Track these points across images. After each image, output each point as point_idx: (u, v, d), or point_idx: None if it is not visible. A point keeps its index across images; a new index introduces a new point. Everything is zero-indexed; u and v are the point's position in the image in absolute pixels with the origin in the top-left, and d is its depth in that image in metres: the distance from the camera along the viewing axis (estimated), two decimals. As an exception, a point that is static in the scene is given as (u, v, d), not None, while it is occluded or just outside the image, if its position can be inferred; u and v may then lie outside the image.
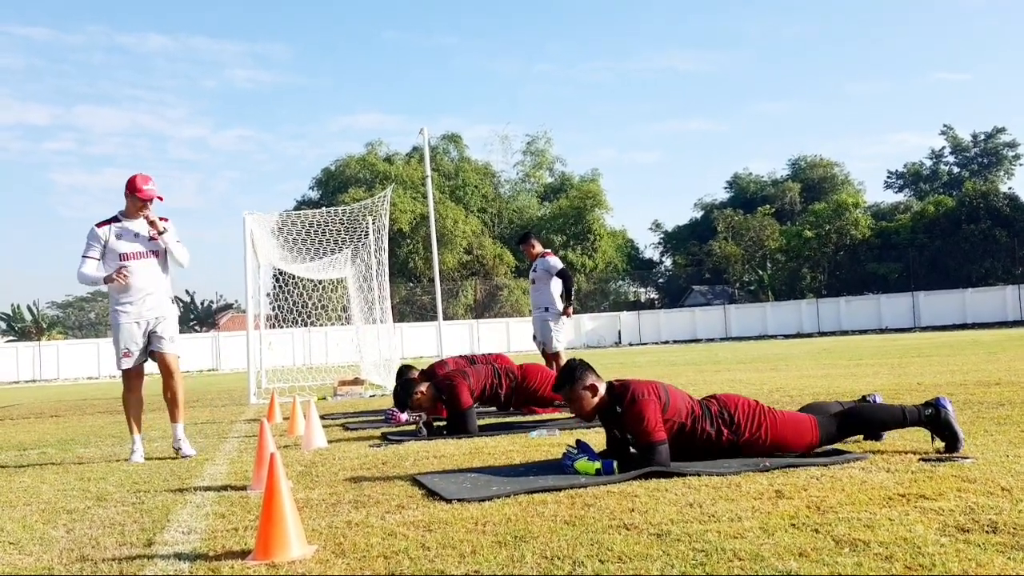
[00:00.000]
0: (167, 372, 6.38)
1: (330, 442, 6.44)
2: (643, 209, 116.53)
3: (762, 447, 4.33)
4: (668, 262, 67.72)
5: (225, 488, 4.58)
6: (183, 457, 6.17)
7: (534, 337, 9.30)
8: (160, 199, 6.28)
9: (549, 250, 9.55)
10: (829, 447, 4.53)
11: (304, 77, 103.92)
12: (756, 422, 4.32)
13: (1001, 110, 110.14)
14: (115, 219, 6.26)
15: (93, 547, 3.30)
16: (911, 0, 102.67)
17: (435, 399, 6.82)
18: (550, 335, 9.01)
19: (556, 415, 7.36)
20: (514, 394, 7.23)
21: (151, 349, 6.31)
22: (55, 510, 4.16)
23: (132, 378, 6.33)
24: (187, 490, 4.58)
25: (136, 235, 6.22)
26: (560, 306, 9.05)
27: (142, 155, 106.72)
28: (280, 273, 17.46)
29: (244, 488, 4.50)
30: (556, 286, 9.05)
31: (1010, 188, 56.36)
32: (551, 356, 9.02)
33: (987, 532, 2.75)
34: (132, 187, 6.16)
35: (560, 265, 9.11)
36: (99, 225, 6.23)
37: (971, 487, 3.44)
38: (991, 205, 48.61)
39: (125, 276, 6.07)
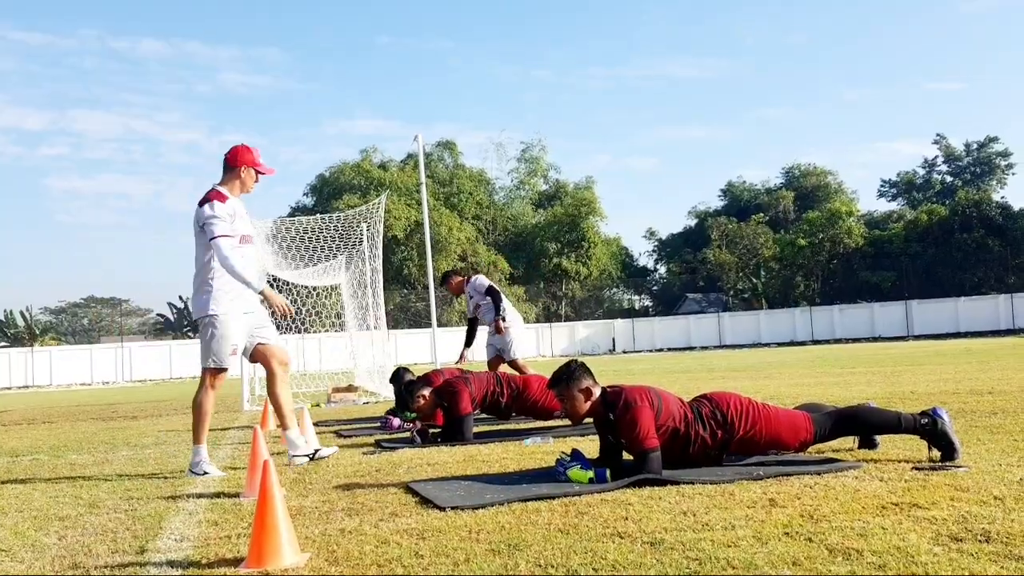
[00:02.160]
0: (282, 364, 5.70)
1: (324, 449, 6.42)
2: (637, 217, 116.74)
3: (757, 444, 4.34)
4: (662, 270, 67.84)
5: (218, 495, 4.56)
6: (298, 464, 5.55)
7: (497, 350, 9.19)
8: (270, 172, 5.67)
9: (468, 273, 9.67)
10: (822, 456, 4.55)
11: (299, 82, 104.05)
12: (750, 419, 4.33)
13: (994, 120, 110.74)
14: (219, 194, 5.48)
15: (85, 554, 3.29)
16: (905, 9, 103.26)
17: (436, 405, 6.84)
18: (508, 342, 9.01)
19: (550, 423, 7.36)
20: (514, 403, 7.24)
21: (257, 343, 5.64)
22: (47, 517, 4.15)
23: (222, 377, 5.58)
24: (180, 497, 4.56)
25: (244, 215, 5.59)
26: (511, 314, 9.11)
27: (137, 159, 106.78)
28: (274, 279, 17.41)
29: (237, 495, 4.49)
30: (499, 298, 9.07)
31: (1003, 197, 56.55)
32: (513, 364, 9.03)
33: (980, 541, 2.75)
34: (250, 160, 5.54)
35: (487, 283, 9.19)
36: (221, 197, 5.46)
37: (964, 496, 3.44)
38: (984, 214, 48.84)
39: (291, 311, 5.49)
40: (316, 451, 5.64)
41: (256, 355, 5.71)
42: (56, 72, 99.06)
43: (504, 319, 8.96)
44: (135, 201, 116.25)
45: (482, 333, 9.34)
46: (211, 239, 5.37)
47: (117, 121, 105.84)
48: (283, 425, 5.70)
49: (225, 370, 5.52)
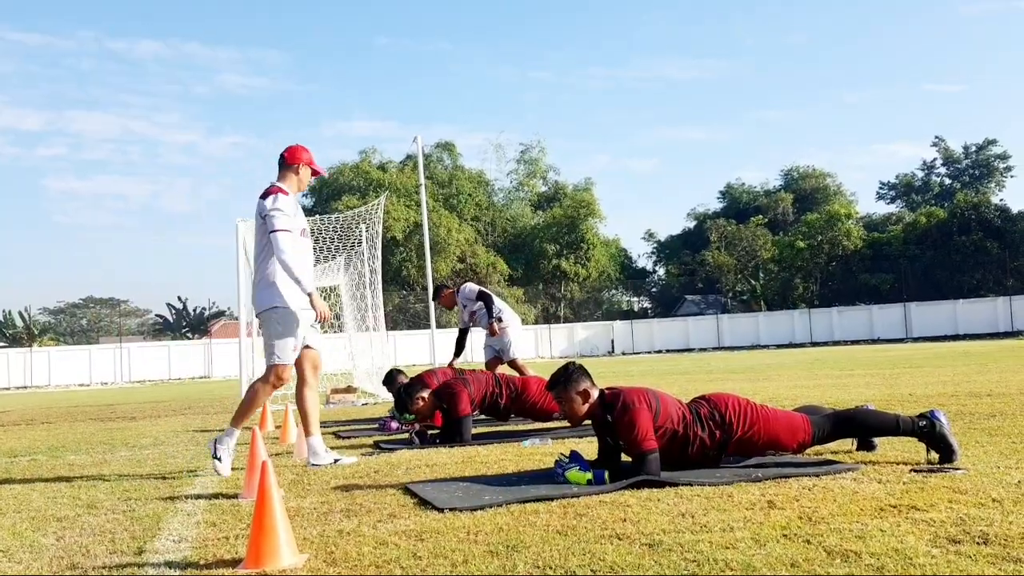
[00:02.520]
0: (315, 369, 5.73)
1: (322, 450, 6.42)
2: (636, 218, 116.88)
3: (755, 444, 4.34)
4: (661, 271, 67.91)
5: (216, 496, 4.56)
6: (316, 467, 5.48)
7: (495, 351, 9.20)
8: (320, 174, 5.87)
9: (456, 282, 9.69)
10: (820, 458, 4.55)
11: (297, 84, 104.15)
12: (748, 420, 4.33)
13: (993, 122, 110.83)
14: (280, 188, 5.57)
15: (83, 555, 3.29)
16: (904, 11, 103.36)
17: (436, 407, 6.84)
18: (506, 343, 9.03)
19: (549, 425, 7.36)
20: (513, 404, 7.25)
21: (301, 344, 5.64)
22: (45, 518, 4.14)
23: (288, 372, 5.55)
24: (178, 498, 4.56)
25: (300, 213, 5.66)
26: (508, 315, 9.13)
27: (135, 160, 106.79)
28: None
29: (235, 496, 4.49)
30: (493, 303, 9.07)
31: (1001, 200, 56.70)
32: (513, 365, 9.05)
33: (978, 543, 2.76)
34: (306, 159, 5.66)
35: (476, 288, 9.21)
36: (283, 192, 5.55)
37: (962, 498, 3.45)
38: (982, 216, 48.88)
39: (329, 315, 5.47)
40: (336, 460, 5.58)
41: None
42: (54, 73, 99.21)
43: (500, 320, 8.97)
44: (133, 202, 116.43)
45: (480, 336, 9.34)
46: (271, 231, 5.40)
47: (115, 122, 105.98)
48: (306, 431, 5.66)
49: (287, 366, 5.51)
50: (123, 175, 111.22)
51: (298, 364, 5.67)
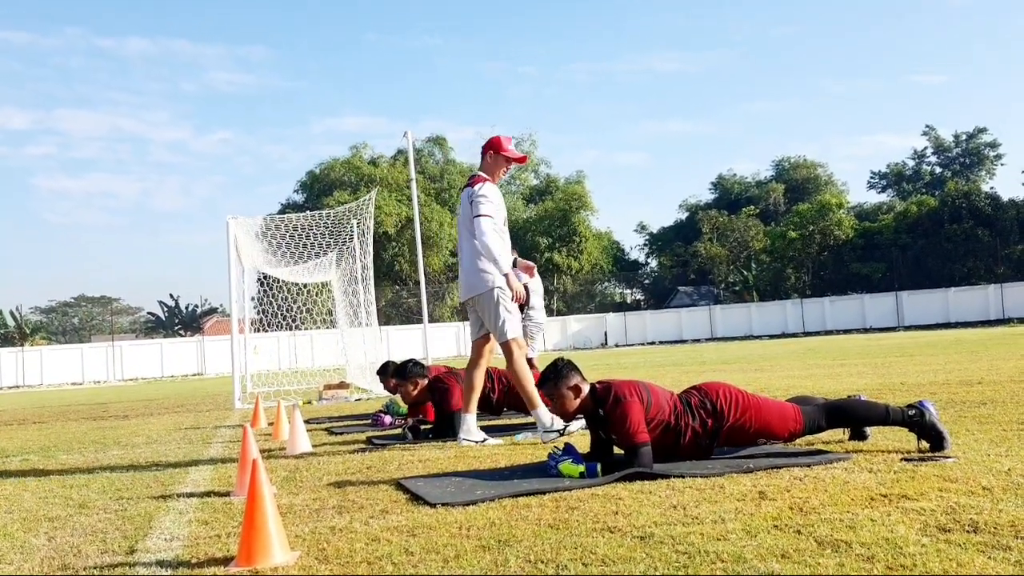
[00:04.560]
0: (489, 352, 5.96)
1: (315, 446, 6.42)
2: (628, 210, 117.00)
3: (747, 433, 4.36)
4: (653, 263, 67.98)
5: (208, 494, 4.55)
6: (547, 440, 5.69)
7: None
8: (523, 160, 6.07)
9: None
10: (812, 448, 4.57)
11: (286, 80, 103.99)
12: (739, 408, 4.35)
13: (983, 111, 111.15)
14: (486, 178, 5.85)
15: (75, 555, 3.28)
16: (894, 1, 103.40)
17: (426, 398, 6.85)
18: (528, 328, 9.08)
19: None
20: (506, 399, 7.24)
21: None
22: (36, 518, 4.13)
23: (522, 342, 5.83)
24: (170, 496, 4.55)
25: (502, 202, 5.91)
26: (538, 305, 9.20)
27: (124, 158, 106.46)
28: (265, 277, 17.41)
29: (228, 494, 4.48)
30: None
31: (992, 188, 56.88)
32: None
33: (968, 532, 2.76)
34: (505, 149, 5.87)
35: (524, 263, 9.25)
36: (490, 180, 5.82)
37: (953, 487, 3.46)
38: (973, 205, 49.02)
39: (524, 295, 5.67)
40: (484, 440, 5.82)
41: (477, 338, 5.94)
42: (41, 71, 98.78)
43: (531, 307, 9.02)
44: (123, 200, 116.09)
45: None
46: (475, 216, 5.63)
47: (103, 120, 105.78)
48: (466, 407, 5.94)
49: (520, 337, 5.76)
50: (113, 173, 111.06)
51: (477, 344, 5.94)
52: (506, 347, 5.76)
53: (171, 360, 43.39)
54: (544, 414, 5.75)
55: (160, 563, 3.06)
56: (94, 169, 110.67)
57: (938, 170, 71.12)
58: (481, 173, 5.89)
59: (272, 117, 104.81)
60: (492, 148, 5.89)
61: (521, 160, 6.01)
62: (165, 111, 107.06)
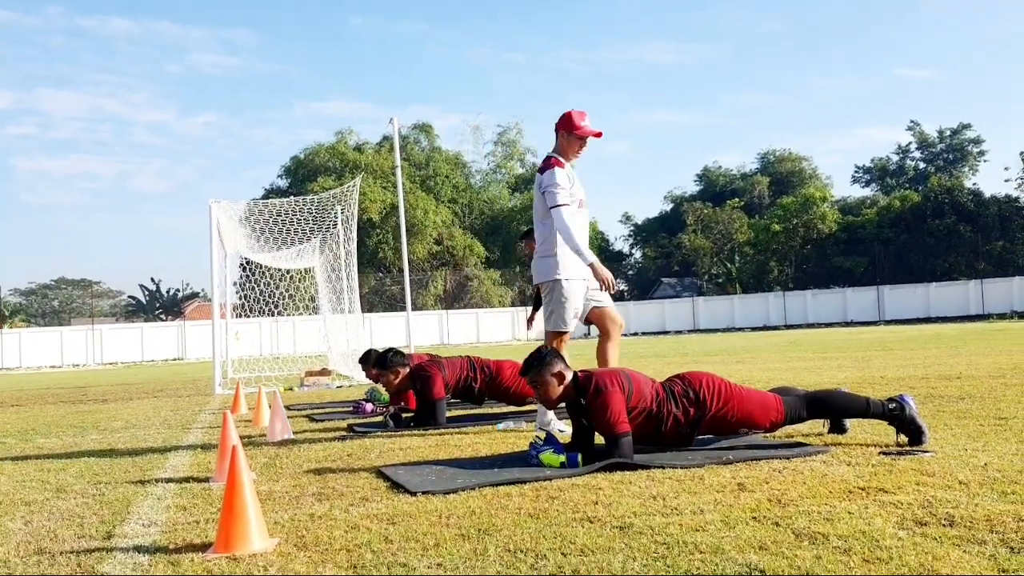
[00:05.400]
0: (616, 325, 5.83)
1: (295, 433, 6.40)
2: (613, 201, 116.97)
3: (728, 422, 4.38)
4: (638, 254, 68.04)
5: (187, 480, 4.53)
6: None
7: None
8: (599, 135, 5.66)
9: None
10: (791, 440, 4.60)
11: (271, 63, 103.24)
12: (722, 398, 4.37)
13: (967, 107, 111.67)
14: (557, 160, 5.57)
15: (51, 540, 3.26)
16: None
17: (408, 387, 6.84)
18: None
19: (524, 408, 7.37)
20: (488, 388, 7.22)
21: (593, 306, 5.79)
22: (13, 502, 4.10)
23: (566, 339, 5.67)
24: (148, 482, 4.53)
25: (577, 180, 5.67)
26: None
27: (105, 139, 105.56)
28: (247, 262, 17.32)
29: (207, 480, 4.46)
30: None
31: (975, 184, 57.14)
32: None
33: (944, 525, 2.79)
34: (572, 126, 5.57)
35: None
36: (560, 164, 5.55)
37: (930, 480, 3.48)
38: (956, 200, 49.31)
39: (612, 280, 5.51)
40: (560, 431, 5.64)
41: (592, 317, 5.88)
42: (21, 51, 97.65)
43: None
44: (104, 181, 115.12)
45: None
46: (551, 207, 5.48)
47: (84, 100, 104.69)
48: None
49: (566, 332, 5.63)
50: (93, 154, 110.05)
51: (600, 323, 5.87)
52: (549, 335, 5.70)
53: (151, 344, 43.08)
54: (548, 414, 5.70)
55: (138, 548, 3.04)
56: (74, 150, 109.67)
57: (922, 165, 71.50)
58: (555, 155, 5.62)
59: (255, 101, 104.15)
60: (564, 126, 5.61)
61: (597, 135, 5.68)
62: (147, 92, 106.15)
